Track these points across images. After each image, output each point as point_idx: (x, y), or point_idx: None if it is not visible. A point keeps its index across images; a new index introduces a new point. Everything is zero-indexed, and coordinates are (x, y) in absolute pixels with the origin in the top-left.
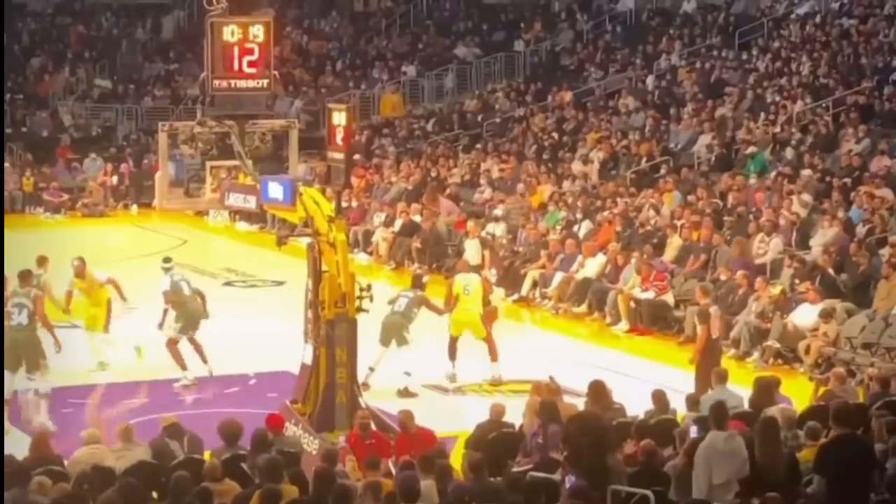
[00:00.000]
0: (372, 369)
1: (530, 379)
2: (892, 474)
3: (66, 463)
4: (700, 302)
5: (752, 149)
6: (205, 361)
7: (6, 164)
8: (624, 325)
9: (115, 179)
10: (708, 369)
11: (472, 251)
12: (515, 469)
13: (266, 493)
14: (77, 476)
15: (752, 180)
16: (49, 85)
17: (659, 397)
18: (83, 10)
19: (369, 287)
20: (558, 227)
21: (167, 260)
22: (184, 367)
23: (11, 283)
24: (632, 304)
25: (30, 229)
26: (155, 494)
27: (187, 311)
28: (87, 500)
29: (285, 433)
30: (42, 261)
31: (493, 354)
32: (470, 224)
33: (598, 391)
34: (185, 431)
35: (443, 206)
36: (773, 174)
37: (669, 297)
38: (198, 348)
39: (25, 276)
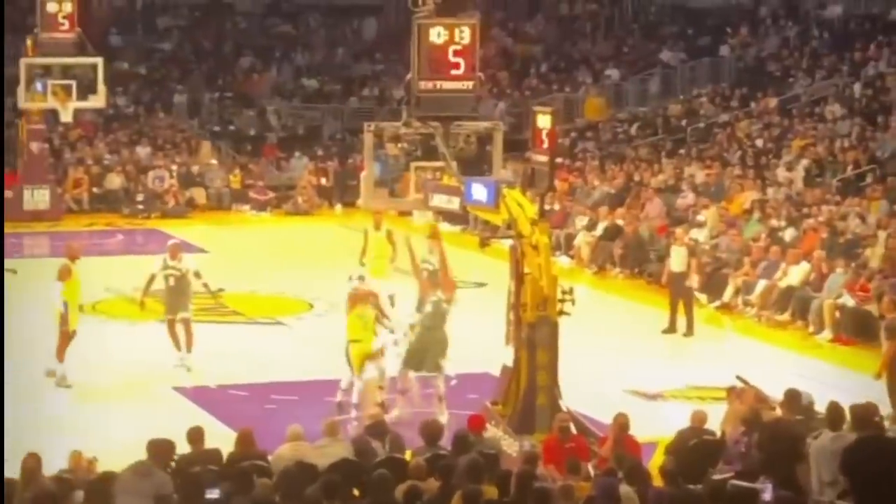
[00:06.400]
0: None
1: (731, 386)
2: None
3: (269, 458)
4: (887, 315)
5: None
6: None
7: (213, 161)
8: (827, 334)
9: (321, 179)
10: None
11: (677, 258)
12: (716, 477)
13: (468, 493)
14: (280, 472)
15: None
16: (257, 84)
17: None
18: (291, 10)
19: (571, 290)
20: (762, 235)
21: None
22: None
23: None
24: (836, 313)
25: (235, 226)
26: (356, 492)
27: None
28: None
29: (485, 434)
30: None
31: None
32: (677, 230)
33: (790, 399)
34: (388, 430)
35: (653, 207)
36: None
37: (874, 307)
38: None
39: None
